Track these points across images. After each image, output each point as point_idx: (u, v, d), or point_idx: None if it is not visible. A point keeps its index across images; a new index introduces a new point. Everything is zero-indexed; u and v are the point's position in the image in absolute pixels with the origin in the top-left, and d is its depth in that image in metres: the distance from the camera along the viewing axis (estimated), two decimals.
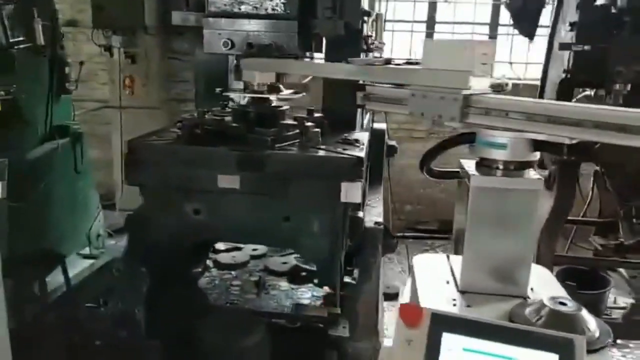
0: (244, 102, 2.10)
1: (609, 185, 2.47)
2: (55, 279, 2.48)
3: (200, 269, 2.43)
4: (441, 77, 1.21)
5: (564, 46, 2.32)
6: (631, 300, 2.59)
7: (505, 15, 4.08)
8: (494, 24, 4.33)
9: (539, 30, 3.38)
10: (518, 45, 4.25)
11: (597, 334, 0.97)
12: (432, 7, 4.33)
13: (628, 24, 2.17)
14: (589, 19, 2.22)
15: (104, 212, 3.14)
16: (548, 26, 4.20)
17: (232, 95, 2.11)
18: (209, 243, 2.46)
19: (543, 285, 1.20)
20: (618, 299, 2.76)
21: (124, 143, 4.01)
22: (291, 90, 2.06)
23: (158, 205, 1.93)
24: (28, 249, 2.25)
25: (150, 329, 1.91)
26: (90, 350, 1.99)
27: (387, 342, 2.20)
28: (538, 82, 4.23)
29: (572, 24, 2.29)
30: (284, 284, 2.40)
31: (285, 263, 2.55)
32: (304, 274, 2.45)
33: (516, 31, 3.67)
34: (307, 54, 1.97)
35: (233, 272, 2.50)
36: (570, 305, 1.00)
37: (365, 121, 2.70)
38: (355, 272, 2.15)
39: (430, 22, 4.36)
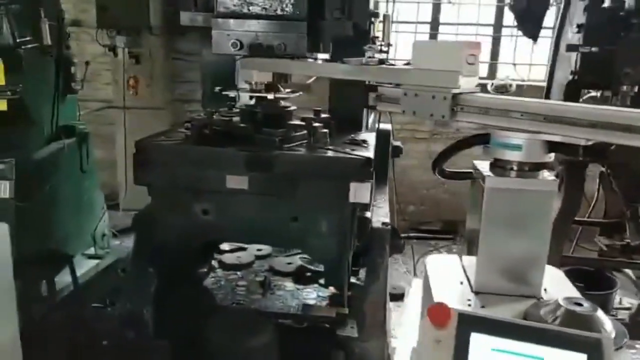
0: (251, 102, 2.10)
1: (615, 186, 2.47)
2: (61, 279, 2.48)
3: (205, 269, 2.43)
4: (432, 77, 1.26)
5: (571, 47, 2.33)
6: (637, 301, 2.59)
7: (509, 17, 4.09)
8: (497, 25, 4.34)
9: (542, 32, 3.39)
10: (522, 47, 4.26)
11: (613, 335, 0.97)
12: (436, 9, 4.34)
13: (636, 26, 2.17)
14: (597, 20, 2.23)
15: (108, 213, 3.15)
16: (552, 27, 4.23)
17: (230, 94, 2.12)
18: (216, 243, 2.46)
19: (556, 286, 1.21)
20: (623, 300, 2.76)
21: (127, 143, 4.05)
22: (289, 90, 2.07)
23: (166, 205, 1.93)
24: (35, 250, 2.26)
25: (158, 329, 1.91)
26: (97, 351, 1.99)
27: (394, 342, 2.20)
28: (542, 84, 4.25)
29: (579, 26, 2.30)
30: (289, 284, 2.40)
31: (290, 263, 2.55)
32: (309, 274, 2.45)
33: (520, 32, 3.68)
34: (313, 54, 1.97)
35: (238, 273, 2.50)
36: (586, 306, 1.00)
37: (370, 122, 2.70)
38: (361, 273, 2.15)
39: (434, 24, 4.37)
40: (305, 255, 2.51)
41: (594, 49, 2.19)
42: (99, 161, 3.15)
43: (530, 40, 3.59)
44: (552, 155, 1.16)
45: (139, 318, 1.89)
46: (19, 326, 1.55)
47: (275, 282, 2.40)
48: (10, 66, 2.23)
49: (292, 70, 1.94)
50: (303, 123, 1.99)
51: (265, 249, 2.64)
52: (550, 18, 3.96)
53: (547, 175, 1.17)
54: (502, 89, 3.96)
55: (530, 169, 1.16)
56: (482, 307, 1.09)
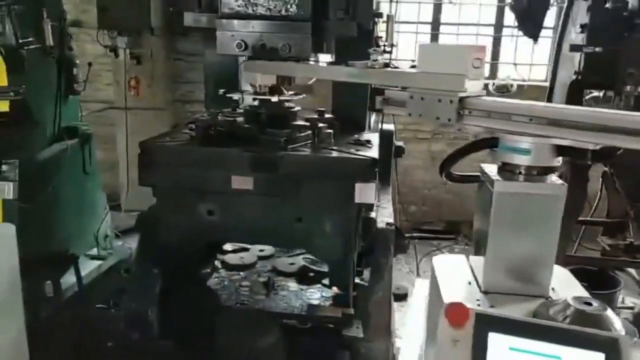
0: (254, 102, 2.10)
1: (619, 186, 2.48)
2: (65, 279, 2.47)
3: (209, 270, 2.43)
4: (438, 80, 1.27)
5: (574, 48, 2.33)
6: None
7: (509, 17, 4.10)
8: (498, 25, 4.35)
9: (543, 32, 3.40)
10: (522, 47, 4.27)
11: (622, 334, 0.97)
12: (437, 9, 4.35)
13: (639, 26, 2.18)
14: (600, 20, 2.24)
15: (110, 213, 3.14)
16: (552, 27, 4.24)
17: (235, 96, 2.12)
18: (220, 244, 2.46)
19: (564, 285, 1.21)
20: (626, 299, 2.77)
21: (129, 144, 4.05)
22: (292, 92, 2.08)
23: (171, 206, 1.93)
24: (39, 250, 2.25)
25: (163, 330, 1.91)
26: (102, 351, 1.98)
27: (398, 342, 2.20)
28: (542, 83, 4.27)
29: (582, 26, 2.31)
30: (292, 285, 2.40)
31: (292, 264, 2.55)
32: (312, 274, 2.45)
33: (520, 32, 3.69)
34: (314, 55, 1.98)
35: (241, 273, 2.50)
36: (596, 305, 1.01)
37: (372, 122, 2.70)
38: (365, 273, 2.15)
39: (435, 24, 4.37)
40: (308, 256, 2.51)
41: (597, 49, 2.20)
42: (100, 162, 3.15)
43: (531, 40, 3.59)
44: (560, 159, 1.17)
45: (143, 319, 1.89)
46: (25, 326, 1.54)
47: (278, 283, 2.41)
48: (13, 67, 2.22)
49: (297, 73, 1.95)
50: (307, 124, 1.99)
51: (268, 249, 2.64)
52: (550, 18, 3.98)
53: (554, 179, 1.18)
54: (503, 89, 3.97)
55: (539, 173, 1.16)
56: (491, 306, 1.09)
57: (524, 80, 4.27)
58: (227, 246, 2.62)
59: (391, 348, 1.96)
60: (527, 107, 1.11)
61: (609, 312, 1.01)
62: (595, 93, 2.60)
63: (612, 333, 0.74)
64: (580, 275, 1.76)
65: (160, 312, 1.91)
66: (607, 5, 2.25)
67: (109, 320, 2.19)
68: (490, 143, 1.24)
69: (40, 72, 2.57)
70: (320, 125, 1.96)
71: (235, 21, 1.87)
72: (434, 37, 4.42)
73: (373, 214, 2.04)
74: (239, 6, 1.86)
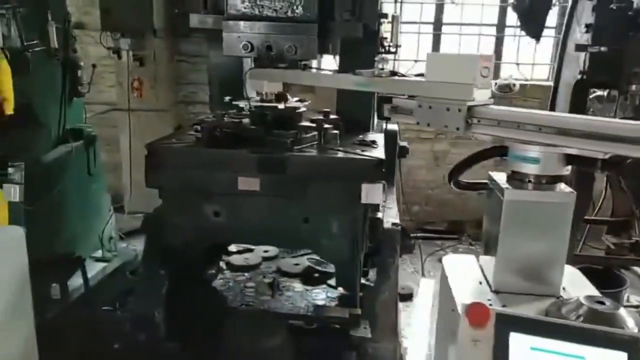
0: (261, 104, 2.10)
1: (624, 185, 2.48)
2: (71, 281, 2.47)
3: (214, 271, 2.43)
4: (446, 89, 1.28)
5: (579, 47, 2.34)
6: None
7: (512, 17, 4.10)
8: (500, 25, 4.35)
9: (545, 31, 3.40)
10: (524, 46, 4.27)
11: (636, 331, 0.97)
12: (439, 9, 4.35)
13: None
14: (605, 20, 2.24)
15: (114, 215, 3.14)
16: (554, 27, 4.25)
17: (241, 104, 2.12)
18: (227, 245, 2.47)
19: (574, 284, 1.21)
20: (631, 298, 2.76)
21: (132, 146, 4.05)
22: (297, 98, 2.08)
23: (178, 208, 1.93)
24: (45, 252, 2.25)
25: (169, 331, 1.91)
26: (109, 353, 1.98)
27: (405, 342, 2.19)
28: (545, 83, 4.28)
29: (587, 26, 2.31)
30: (297, 285, 2.41)
31: (297, 264, 2.55)
32: (316, 275, 2.46)
33: (523, 32, 3.69)
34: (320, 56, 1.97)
35: (246, 274, 2.50)
36: (609, 304, 1.01)
37: (375, 122, 2.71)
38: (371, 273, 2.15)
39: (437, 24, 4.38)
40: (313, 256, 2.52)
41: (602, 48, 2.20)
42: (103, 164, 3.15)
43: (533, 40, 3.60)
44: (569, 167, 1.18)
45: (150, 320, 1.89)
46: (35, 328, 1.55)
47: (283, 283, 2.41)
48: (18, 69, 2.22)
49: (304, 81, 1.96)
50: (313, 125, 1.99)
51: (272, 250, 2.65)
52: (552, 17, 3.98)
53: (563, 187, 1.19)
54: (505, 89, 3.97)
55: (548, 181, 1.17)
56: (503, 306, 1.09)
57: (527, 80, 4.27)
58: (232, 247, 2.62)
59: (398, 348, 1.96)
60: (536, 116, 1.12)
61: (622, 311, 1.01)
62: (599, 92, 2.60)
63: (635, 332, 0.74)
64: (586, 274, 1.75)
65: (166, 313, 1.91)
66: (612, 5, 2.26)
67: (116, 322, 2.19)
68: (499, 152, 1.25)
69: (45, 74, 2.58)
70: (326, 126, 1.97)
71: (242, 23, 1.87)
72: (436, 37, 4.42)
73: (379, 214, 2.05)
74: (245, 8, 1.86)
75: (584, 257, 2.75)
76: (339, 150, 1.88)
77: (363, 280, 2.09)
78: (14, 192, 2.11)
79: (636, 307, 2.61)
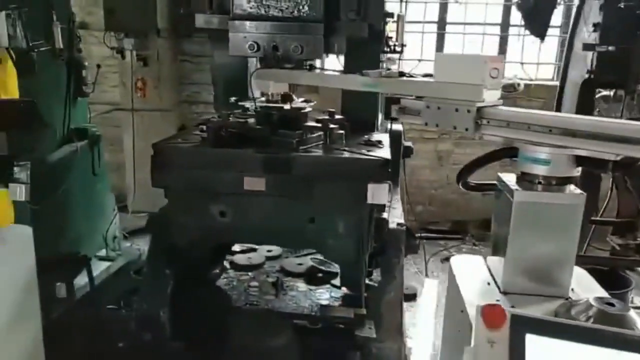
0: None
1: (630, 186, 2.47)
2: (76, 281, 2.48)
3: (218, 270, 2.44)
4: (455, 90, 1.27)
5: (587, 47, 2.33)
6: None
7: (516, 16, 4.09)
8: (505, 25, 4.34)
9: (549, 31, 3.39)
10: (529, 46, 4.26)
11: None
12: (443, 8, 4.34)
13: None
14: (613, 19, 2.23)
15: (118, 215, 3.15)
16: (559, 26, 4.23)
17: (246, 104, 2.12)
18: (232, 244, 2.47)
19: (582, 286, 1.21)
20: (635, 299, 2.75)
21: (136, 146, 4.05)
22: (303, 99, 2.08)
23: (184, 207, 1.93)
24: (50, 252, 2.26)
25: (173, 330, 1.91)
26: (114, 352, 1.99)
27: (410, 342, 2.19)
28: (549, 82, 4.26)
29: (595, 25, 2.30)
30: (301, 285, 2.40)
31: (300, 264, 2.55)
32: (320, 274, 2.45)
33: (527, 31, 3.68)
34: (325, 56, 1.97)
35: (250, 274, 2.50)
36: (618, 306, 1.00)
37: (380, 123, 2.71)
38: (375, 274, 2.15)
39: (441, 23, 4.37)
40: (316, 256, 2.51)
41: (610, 48, 2.19)
42: (107, 163, 3.16)
43: (538, 39, 3.59)
44: (579, 169, 1.17)
45: (155, 319, 1.89)
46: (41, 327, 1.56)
47: (287, 283, 2.40)
48: (23, 70, 2.23)
49: (311, 82, 1.95)
50: (319, 125, 1.99)
51: (276, 249, 2.64)
52: (557, 17, 3.97)
53: (573, 188, 1.18)
54: (510, 88, 3.96)
55: (558, 183, 1.17)
56: (512, 307, 1.09)
57: (531, 80, 4.26)
58: (235, 246, 2.62)
59: (403, 348, 1.96)
60: (547, 118, 1.12)
61: (632, 313, 1.00)
62: (605, 92, 2.59)
63: None
64: (591, 275, 1.75)
65: (171, 312, 1.91)
66: (620, 4, 2.24)
67: (121, 321, 2.19)
68: (509, 153, 1.24)
69: (50, 74, 2.59)
70: (332, 126, 1.96)
71: (247, 22, 1.87)
72: (440, 36, 4.41)
73: (385, 215, 2.04)
74: (251, 7, 1.86)
75: (589, 258, 2.74)
76: (344, 150, 1.88)
77: (367, 281, 2.09)
78: (20, 192, 2.11)
79: None
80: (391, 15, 2.30)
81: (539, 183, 1.18)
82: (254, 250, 2.65)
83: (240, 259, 2.57)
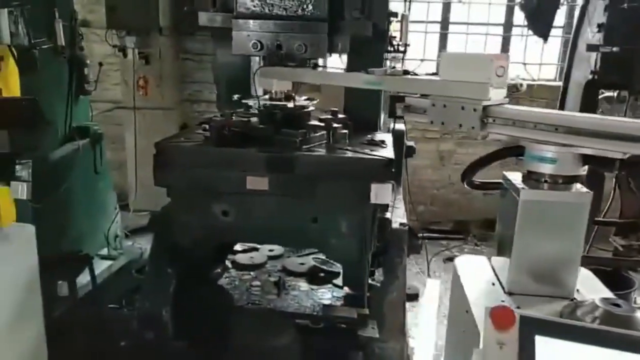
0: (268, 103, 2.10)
1: (633, 186, 2.46)
2: (78, 279, 2.48)
3: (220, 270, 2.43)
4: (461, 88, 1.27)
5: (591, 47, 2.32)
6: None
7: (519, 16, 4.08)
8: (508, 25, 4.33)
9: (552, 31, 3.38)
10: (531, 46, 4.25)
11: None
12: (446, 8, 4.34)
13: None
14: (618, 20, 2.22)
15: (119, 213, 3.15)
16: (562, 27, 4.22)
17: (250, 102, 2.11)
18: (234, 244, 2.46)
19: (587, 286, 1.20)
20: (638, 300, 2.75)
21: (137, 144, 4.05)
22: (306, 97, 2.07)
23: (186, 207, 1.92)
24: (52, 250, 2.26)
25: (175, 330, 1.91)
26: (116, 351, 1.99)
27: (412, 342, 2.18)
28: (552, 83, 4.25)
29: (599, 25, 2.29)
30: (303, 285, 2.40)
31: (302, 264, 2.55)
32: (322, 274, 2.45)
33: (530, 32, 3.67)
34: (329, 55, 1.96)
35: (252, 273, 2.50)
36: (625, 307, 1.00)
37: (382, 122, 2.70)
38: (377, 274, 2.14)
39: (444, 23, 4.36)
40: (318, 256, 2.51)
41: (615, 48, 2.18)
42: (108, 162, 3.15)
43: (541, 40, 3.58)
44: (585, 168, 1.16)
45: (158, 318, 1.89)
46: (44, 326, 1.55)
47: (289, 283, 2.40)
48: (25, 67, 2.22)
49: (314, 80, 1.94)
50: (322, 124, 1.98)
51: (277, 249, 2.64)
52: (560, 17, 3.96)
53: (579, 186, 1.17)
54: (512, 89, 3.96)
55: (564, 181, 1.16)
56: (518, 307, 1.08)
57: (534, 80, 4.25)
58: (237, 246, 2.62)
59: (406, 348, 1.95)
60: (553, 117, 1.11)
61: (639, 314, 1.00)
62: (609, 93, 2.58)
63: None
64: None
65: (174, 311, 1.91)
66: (624, 4, 2.24)
67: (123, 320, 2.19)
68: (515, 152, 1.24)
69: (52, 72, 2.58)
70: (335, 125, 1.96)
71: (251, 21, 1.86)
72: (443, 36, 4.41)
73: (388, 214, 2.04)
74: (254, 6, 1.85)
75: (592, 258, 2.74)
76: (348, 149, 1.87)
77: (369, 281, 2.09)
78: (22, 190, 2.11)
79: None
80: (395, 14, 2.29)
81: (545, 182, 1.17)
82: (256, 249, 2.65)
83: (242, 258, 2.56)
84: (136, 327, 1.92)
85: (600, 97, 2.66)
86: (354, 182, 1.75)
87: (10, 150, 1.94)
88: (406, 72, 1.56)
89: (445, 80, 1.30)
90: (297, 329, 1.83)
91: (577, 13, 2.81)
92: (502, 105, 1.24)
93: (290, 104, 1.96)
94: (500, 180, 1.29)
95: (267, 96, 2.01)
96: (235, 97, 2.12)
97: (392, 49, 2.36)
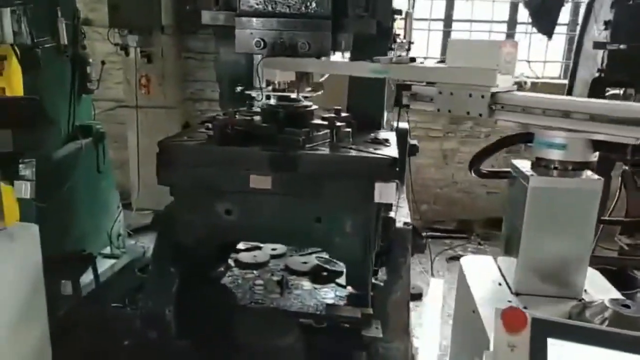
0: (270, 101, 2.09)
1: None
2: (82, 278, 2.48)
3: (222, 269, 2.43)
4: (469, 75, 1.24)
5: (598, 45, 2.30)
6: None
7: (523, 13, 4.06)
8: (512, 22, 4.30)
9: (557, 28, 3.36)
10: (536, 43, 4.22)
11: None
12: (450, 5, 4.31)
13: None
14: (625, 17, 2.20)
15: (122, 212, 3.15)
16: (566, 24, 4.19)
17: (253, 93, 2.10)
18: (237, 242, 2.46)
19: (596, 287, 1.19)
20: None
21: (140, 143, 4.05)
22: (309, 88, 2.05)
23: (189, 206, 1.92)
24: (56, 250, 2.26)
25: (178, 329, 1.91)
26: (119, 350, 1.99)
27: (416, 342, 2.17)
28: (557, 81, 4.22)
29: (606, 23, 2.27)
30: (306, 284, 2.39)
31: (305, 262, 2.54)
32: (325, 273, 2.44)
33: (534, 29, 3.65)
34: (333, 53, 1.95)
35: (254, 272, 2.49)
36: (634, 308, 0.99)
37: (385, 121, 2.68)
38: (380, 273, 2.14)
39: (448, 20, 4.33)
40: (321, 255, 2.50)
41: (621, 46, 2.16)
42: (111, 161, 3.15)
43: (545, 37, 3.55)
44: (596, 154, 1.14)
45: (161, 318, 1.89)
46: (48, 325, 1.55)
47: (292, 282, 2.39)
48: (28, 66, 2.22)
49: (318, 69, 1.92)
50: (325, 123, 1.97)
51: (280, 248, 2.63)
52: (564, 14, 3.93)
53: (590, 174, 1.15)
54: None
55: (574, 168, 1.13)
56: (525, 307, 1.07)
57: (538, 78, 4.22)
58: (239, 244, 2.62)
59: (410, 348, 1.94)
60: (564, 102, 1.09)
61: None
62: (615, 91, 2.56)
63: None
64: None
65: (176, 310, 1.91)
66: (631, 1, 2.21)
67: (126, 319, 2.19)
68: (523, 138, 1.22)
69: (55, 70, 2.58)
70: (339, 124, 1.95)
71: (254, 19, 1.85)
72: (446, 34, 4.38)
73: (392, 214, 2.03)
74: (257, 4, 1.84)
75: (597, 258, 2.71)
76: (351, 148, 1.86)
77: (373, 280, 2.07)
78: (25, 189, 2.11)
79: None
80: (399, 12, 2.27)
81: (555, 168, 1.14)
82: (259, 248, 2.64)
83: (245, 257, 2.56)
84: (139, 326, 1.91)
85: (606, 95, 2.63)
86: (357, 181, 1.74)
87: (13, 149, 1.94)
88: (412, 60, 1.54)
89: (452, 67, 1.27)
90: (300, 328, 1.82)
91: (582, 10, 2.79)
92: (511, 92, 1.21)
93: (294, 95, 1.95)
94: (509, 169, 1.27)
95: (270, 87, 1.99)
96: (239, 88, 2.10)
97: (395, 46, 2.34)
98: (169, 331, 1.89)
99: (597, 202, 1.12)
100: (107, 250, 2.97)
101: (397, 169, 1.78)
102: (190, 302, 1.93)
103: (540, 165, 1.17)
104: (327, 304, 2.07)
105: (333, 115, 2.06)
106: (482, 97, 1.20)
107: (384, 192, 1.72)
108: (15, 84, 2.17)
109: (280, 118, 1.96)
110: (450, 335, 1.75)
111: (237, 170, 1.79)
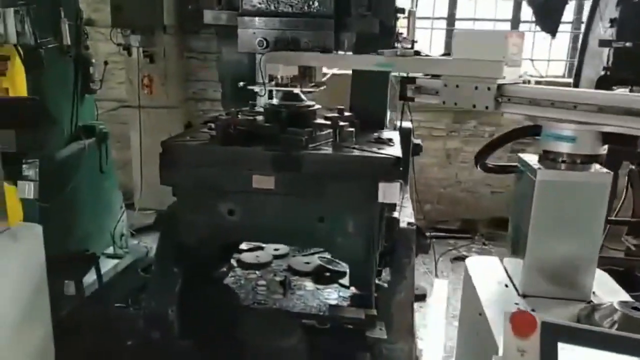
0: (274, 101, 2.08)
1: None
2: (85, 278, 2.48)
3: (225, 269, 2.42)
4: (475, 67, 1.22)
5: (603, 43, 2.27)
6: None
7: (527, 12, 4.03)
8: (515, 21, 4.27)
9: (560, 27, 3.33)
10: (539, 42, 4.19)
11: None
12: (453, 4, 4.28)
13: None
14: (630, 15, 2.17)
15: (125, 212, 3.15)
16: (570, 22, 4.16)
17: (255, 88, 2.08)
18: (241, 243, 2.45)
19: (604, 289, 1.17)
20: None
21: (142, 143, 4.05)
22: (312, 84, 2.04)
23: (192, 206, 1.91)
24: (59, 250, 2.26)
25: (181, 329, 1.90)
26: (122, 350, 1.99)
27: (420, 343, 2.16)
28: (560, 79, 4.19)
29: (612, 21, 2.25)
30: (309, 284, 2.38)
31: (308, 263, 2.53)
32: (327, 274, 2.43)
33: (538, 28, 3.62)
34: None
35: (257, 272, 2.48)
36: None
37: (388, 120, 2.67)
38: (384, 273, 2.12)
39: (451, 19, 4.31)
40: (324, 255, 2.49)
41: (627, 44, 2.14)
42: (113, 160, 3.15)
43: (549, 36, 3.53)
44: (605, 147, 1.11)
45: (164, 318, 1.88)
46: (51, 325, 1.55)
47: (294, 282, 2.38)
48: (31, 66, 2.22)
49: (322, 64, 1.90)
50: (328, 122, 1.96)
51: (283, 248, 2.62)
52: (568, 13, 3.89)
53: (599, 167, 1.12)
54: None
55: (583, 161, 1.10)
56: (532, 310, 1.05)
57: (542, 77, 4.19)
58: (242, 245, 2.61)
59: (414, 349, 1.93)
60: (572, 94, 1.06)
61: None
62: (620, 89, 2.53)
63: None
64: None
65: (179, 310, 1.90)
66: None
67: (129, 319, 2.19)
68: (532, 131, 1.19)
69: (58, 71, 2.58)
70: (342, 123, 1.93)
71: (257, 18, 1.84)
72: (449, 33, 4.35)
73: (396, 214, 2.01)
74: (260, 3, 1.83)
75: (604, 258, 2.68)
76: (354, 148, 1.85)
77: (376, 281, 2.06)
78: (29, 189, 2.11)
79: None
80: (402, 10, 2.26)
81: (563, 161, 1.11)
82: (261, 248, 2.64)
83: (247, 257, 2.55)
84: (142, 326, 1.91)
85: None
86: (361, 180, 1.73)
87: (16, 149, 1.94)
88: (417, 53, 1.52)
89: (458, 59, 1.25)
90: (303, 329, 1.81)
91: (586, 8, 2.76)
92: (517, 84, 1.19)
93: (297, 89, 1.94)
94: (515, 164, 1.24)
95: (273, 82, 1.98)
96: (241, 84, 2.09)
97: (398, 45, 2.32)
98: (171, 331, 1.89)
99: (606, 197, 1.09)
100: (110, 250, 2.97)
101: (401, 168, 1.77)
102: (193, 302, 1.93)
103: (548, 159, 1.14)
104: (330, 305, 2.06)
105: (336, 114, 2.05)
106: (488, 89, 1.17)
107: (387, 191, 1.71)
108: (18, 84, 2.17)
109: (282, 118, 1.95)
110: (454, 336, 1.73)
111: (240, 170, 1.78)
